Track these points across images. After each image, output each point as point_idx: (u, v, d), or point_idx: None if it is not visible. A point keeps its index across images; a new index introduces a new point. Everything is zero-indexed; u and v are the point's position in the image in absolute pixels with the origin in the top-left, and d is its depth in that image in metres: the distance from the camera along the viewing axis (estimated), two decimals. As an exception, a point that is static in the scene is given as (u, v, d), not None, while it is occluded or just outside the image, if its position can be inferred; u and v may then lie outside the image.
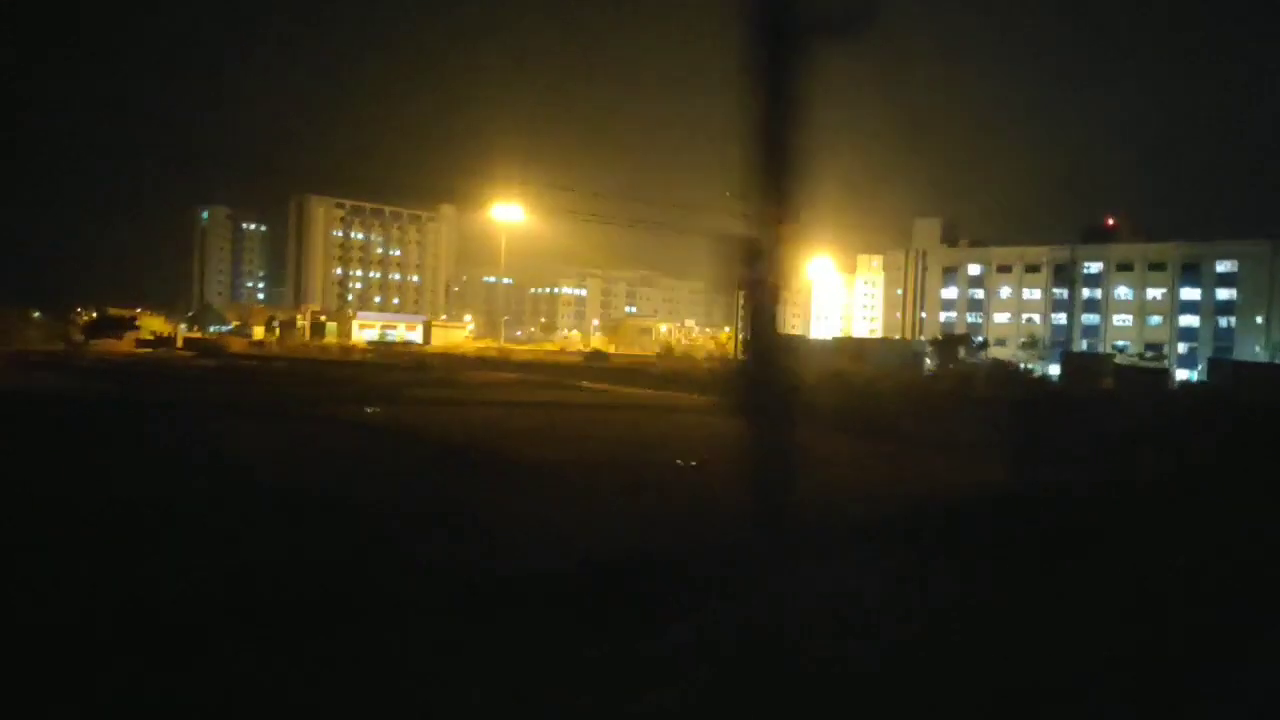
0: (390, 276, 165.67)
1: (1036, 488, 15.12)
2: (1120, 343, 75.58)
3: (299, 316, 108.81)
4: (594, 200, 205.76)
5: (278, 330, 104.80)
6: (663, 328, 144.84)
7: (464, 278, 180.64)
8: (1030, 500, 13.68)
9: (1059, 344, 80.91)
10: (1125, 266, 74.95)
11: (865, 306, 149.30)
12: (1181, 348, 76.79)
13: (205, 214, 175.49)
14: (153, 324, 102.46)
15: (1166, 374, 63.24)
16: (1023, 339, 77.81)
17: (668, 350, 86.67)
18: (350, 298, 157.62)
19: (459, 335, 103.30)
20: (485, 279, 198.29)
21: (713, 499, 12.03)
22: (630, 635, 6.20)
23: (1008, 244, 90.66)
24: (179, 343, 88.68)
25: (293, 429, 19.95)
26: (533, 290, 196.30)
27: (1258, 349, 73.00)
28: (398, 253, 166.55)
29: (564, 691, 5.33)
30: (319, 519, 10.34)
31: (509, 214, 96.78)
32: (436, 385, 37.14)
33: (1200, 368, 76.70)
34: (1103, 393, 54.34)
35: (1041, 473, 16.71)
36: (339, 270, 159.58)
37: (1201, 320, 77.75)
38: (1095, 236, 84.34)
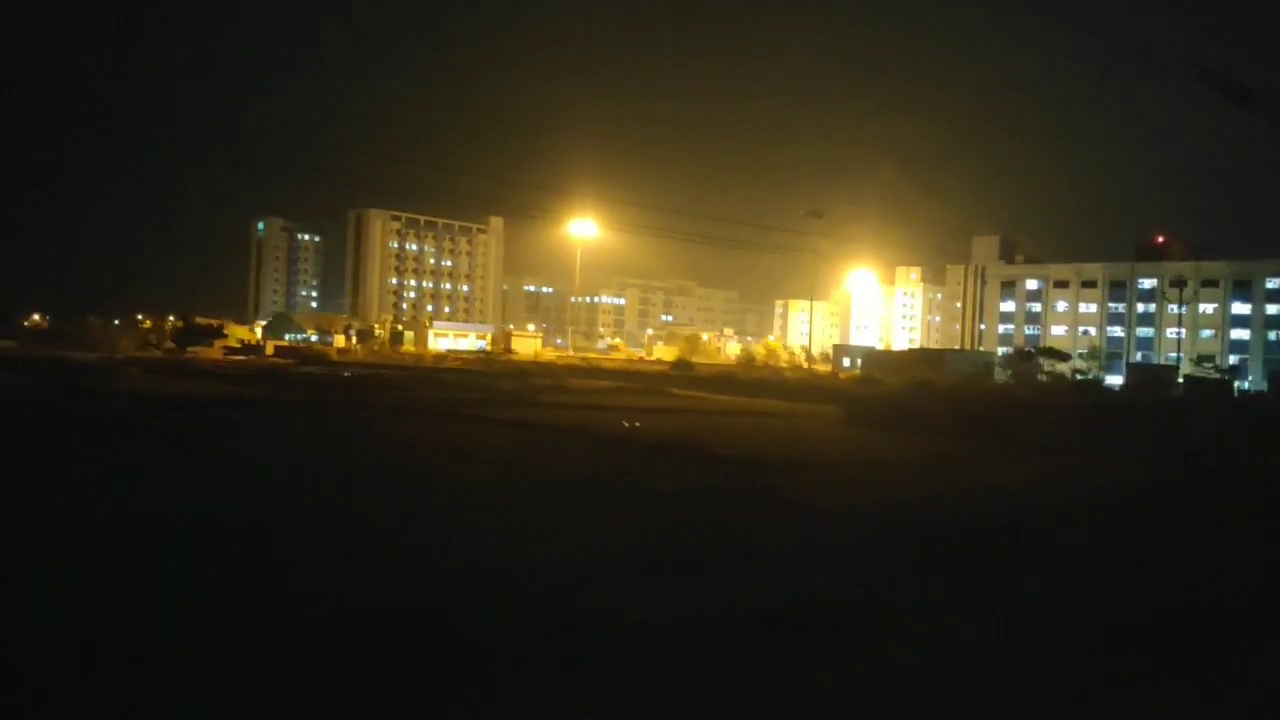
0: (441, 286, 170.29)
1: (1214, 476, 18.56)
2: (1173, 354, 79.78)
3: (376, 325, 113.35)
4: (655, 214, 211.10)
5: (355, 339, 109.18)
6: (704, 336, 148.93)
7: (504, 287, 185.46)
8: (1218, 485, 16.99)
9: (1113, 356, 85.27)
10: (1178, 282, 79.18)
11: (905, 317, 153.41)
12: (1232, 359, 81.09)
13: (261, 225, 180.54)
14: (239, 333, 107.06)
15: (1231, 384, 67.50)
16: (1080, 351, 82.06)
17: (749, 359, 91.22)
18: (404, 306, 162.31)
19: (534, 344, 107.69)
20: (526, 288, 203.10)
21: (970, 490, 15.51)
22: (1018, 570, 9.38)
23: (1057, 260, 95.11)
24: (269, 350, 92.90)
25: (484, 430, 21.71)
26: (573, 299, 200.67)
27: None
28: (449, 263, 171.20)
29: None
30: (666, 502, 12.19)
31: (582, 228, 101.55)
32: (556, 392, 40.26)
33: (1250, 379, 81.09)
34: (1177, 401, 58.48)
35: (1196, 465, 20.19)
36: (394, 280, 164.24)
37: (1252, 333, 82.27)
38: (1146, 254, 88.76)
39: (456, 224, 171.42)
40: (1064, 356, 69.20)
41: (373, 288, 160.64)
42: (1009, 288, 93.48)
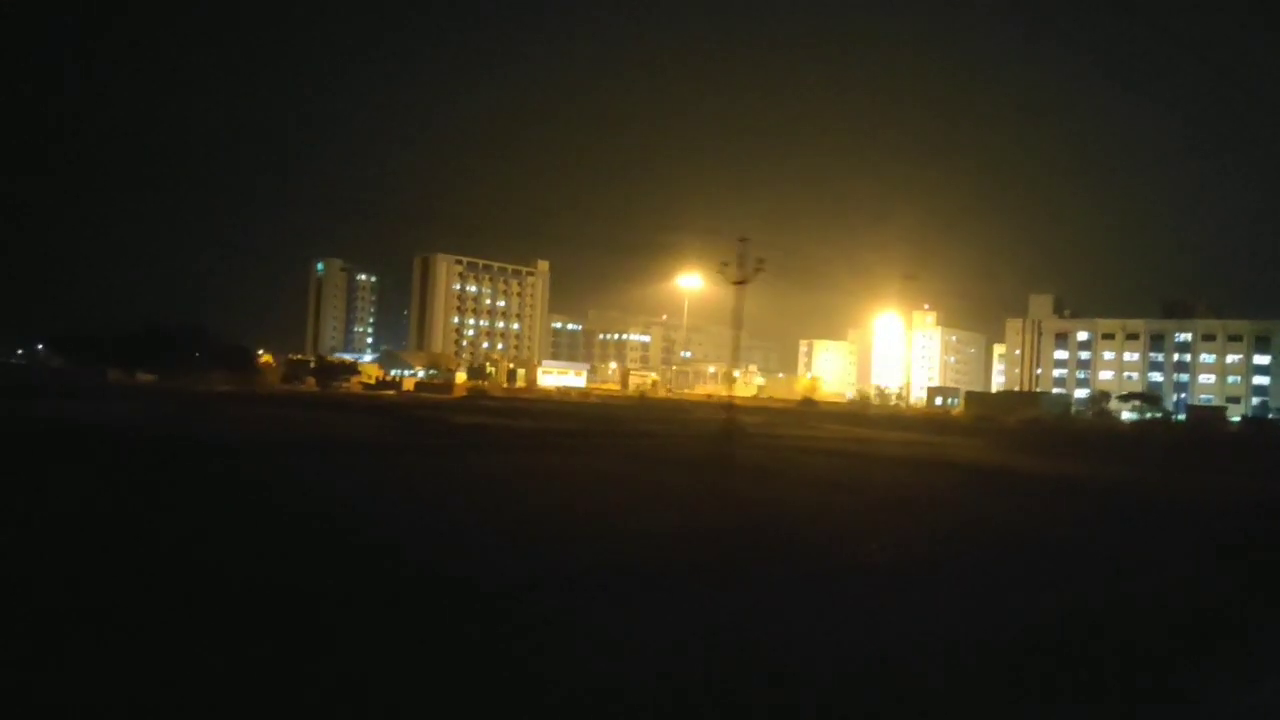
0: (496, 325, 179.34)
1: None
2: (1205, 397, 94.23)
3: (487, 364, 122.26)
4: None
5: (463, 375, 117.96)
6: (736, 373, 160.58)
7: (555, 325, 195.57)
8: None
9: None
10: (1209, 337, 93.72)
11: (922, 357, 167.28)
12: (1254, 401, 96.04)
13: (321, 266, 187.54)
14: (370, 370, 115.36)
15: (1276, 423, 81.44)
16: (1100, 393, 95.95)
17: (865, 398, 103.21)
18: (464, 344, 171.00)
19: (647, 380, 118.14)
20: (554, 324, 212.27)
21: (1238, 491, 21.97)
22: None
23: (1098, 314, 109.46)
24: (408, 386, 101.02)
25: (889, 468, 23.59)
26: (601, 336, 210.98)
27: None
28: (502, 303, 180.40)
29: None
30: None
31: (690, 282, 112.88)
32: (790, 428, 43.85)
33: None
34: (1240, 435, 71.35)
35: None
36: (456, 319, 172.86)
37: (1272, 380, 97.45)
38: (1176, 311, 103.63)
39: (509, 267, 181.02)
40: (1154, 399, 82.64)
41: (438, 327, 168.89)
42: (1061, 339, 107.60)
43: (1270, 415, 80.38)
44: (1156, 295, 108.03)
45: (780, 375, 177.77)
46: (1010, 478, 21.71)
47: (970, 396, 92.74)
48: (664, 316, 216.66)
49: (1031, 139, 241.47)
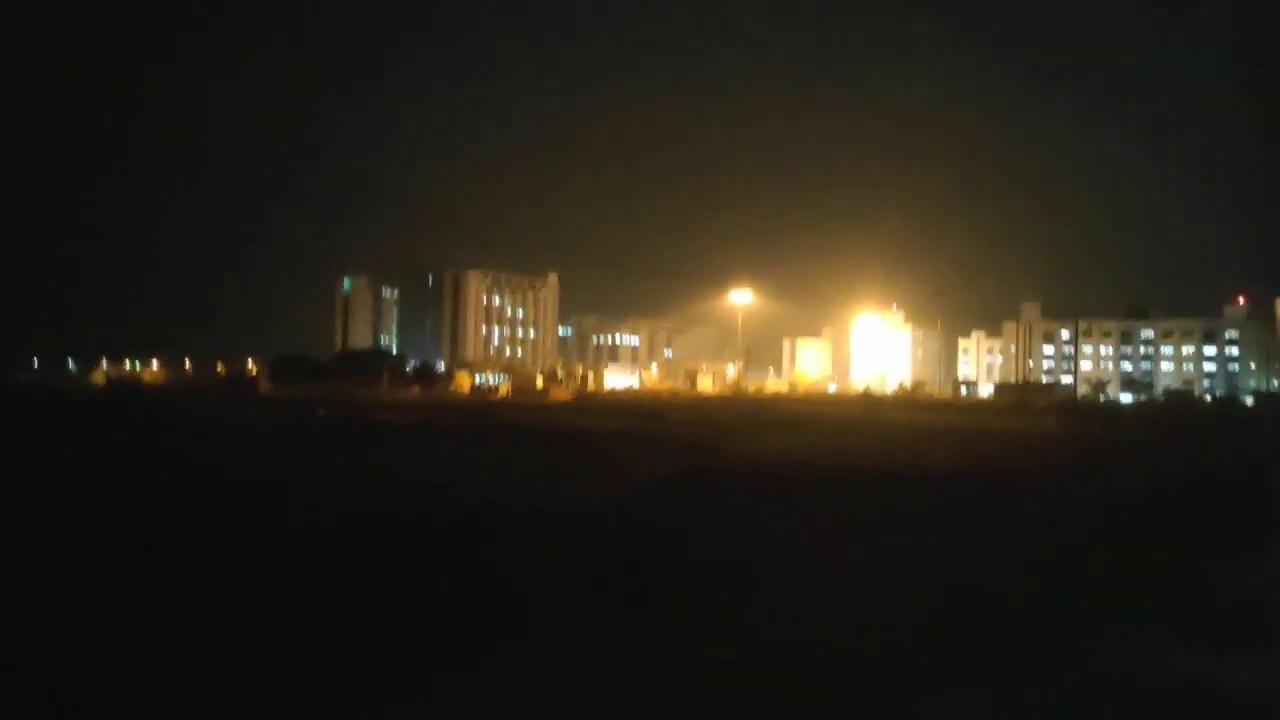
0: (515, 333, 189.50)
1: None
2: (1164, 382, 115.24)
3: (558, 369, 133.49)
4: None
5: (540, 380, 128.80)
6: (730, 369, 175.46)
7: (565, 331, 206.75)
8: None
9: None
10: (1168, 334, 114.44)
11: (896, 353, 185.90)
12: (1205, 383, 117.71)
13: (348, 281, 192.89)
14: (463, 378, 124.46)
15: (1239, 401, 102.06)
16: (1099, 380, 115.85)
17: (912, 389, 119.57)
18: (491, 352, 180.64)
19: (706, 380, 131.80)
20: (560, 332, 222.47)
21: None
22: None
23: (1068, 316, 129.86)
24: (504, 390, 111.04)
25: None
26: (595, 340, 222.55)
27: (1253, 384, 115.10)
28: (521, 312, 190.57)
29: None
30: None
31: (741, 297, 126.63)
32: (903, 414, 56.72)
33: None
34: (1213, 412, 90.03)
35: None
36: (484, 329, 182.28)
37: (1217, 368, 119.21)
38: (1135, 313, 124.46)
39: (527, 279, 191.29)
40: (1146, 385, 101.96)
41: (469, 336, 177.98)
42: (1048, 338, 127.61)
43: (1236, 396, 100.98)
44: (1119, 297, 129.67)
45: (772, 372, 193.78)
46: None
47: (1000, 388, 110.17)
48: (634, 320, 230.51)
49: (994, 148, 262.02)
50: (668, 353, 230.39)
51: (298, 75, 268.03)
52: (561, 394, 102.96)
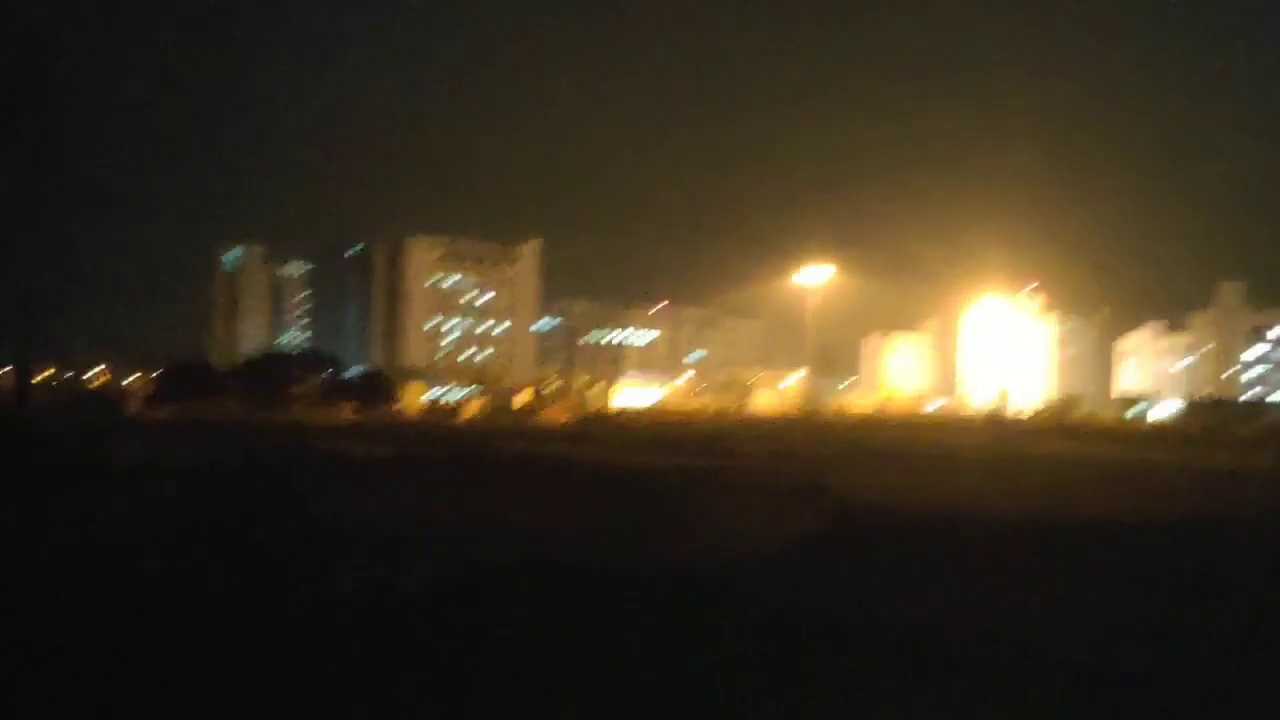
0: (479, 325, 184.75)
1: None
2: None
3: (548, 380, 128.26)
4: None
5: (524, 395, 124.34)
6: (795, 376, 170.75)
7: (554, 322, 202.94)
8: None
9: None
10: None
11: (1030, 353, 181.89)
12: None
13: (234, 255, 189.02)
14: (414, 392, 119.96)
15: None
16: None
17: (1055, 412, 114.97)
18: (439, 354, 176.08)
19: (771, 397, 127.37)
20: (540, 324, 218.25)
21: None
22: None
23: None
24: (470, 411, 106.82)
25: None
26: (583, 340, 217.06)
27: None
28: (491, 296, 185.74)
29: None
30: None
31: (818, 275, 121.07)
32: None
33: None
34: None
35: None
36: (435, 319, 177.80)
37: None
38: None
39: (499, 246, 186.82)
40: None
41: (413, 331, 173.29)
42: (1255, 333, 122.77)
43: None
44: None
45: (850, 381, 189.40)
46: None
47: (1193, 407, 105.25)
48: (664, 303, 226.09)
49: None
50: (695, 354, 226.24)
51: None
52: (556, 414, 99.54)
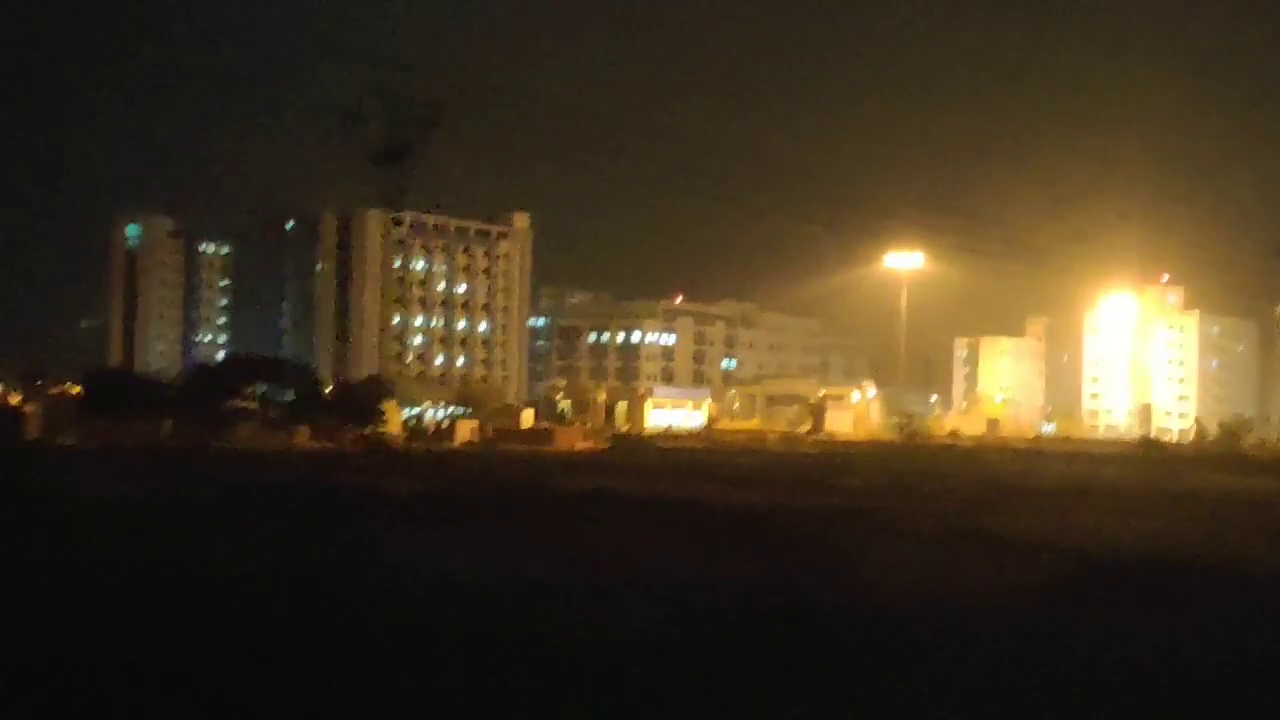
0: (455, 324, 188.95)
1: None
2: None
3: (559, 398, 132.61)
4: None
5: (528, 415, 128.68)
6: (870, 391, 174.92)
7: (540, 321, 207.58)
8: None
9: None
10: None
11: (1170, 362, 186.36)
12: None
13: (135, 229, 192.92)
14: (394, 412, 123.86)
15: None
16: None
17: (1227, 438, 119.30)
18: (408, 358, 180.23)
19: (845, 417, 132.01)
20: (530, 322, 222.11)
21: None
22: None
23: None
24: (462, 433, 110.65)
25: None
26: (592, 338, 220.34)
27: None
28: (464, 288, 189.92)
29: None
30: None
31: (909, 262, 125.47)
32: None
33: None
34: None
35: None
36: (397, 318, 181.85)
37: None
38: None
39: (472, 227, 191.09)
40: None
41: (368, 327, 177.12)
42: None
43: None
44: None
45: (936, 398, 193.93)
46: None
47: None
48: (678, 299, 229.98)
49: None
50: (728, 363, 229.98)
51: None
52: (573, 438, 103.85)
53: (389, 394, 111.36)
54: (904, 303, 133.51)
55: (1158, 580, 26.16)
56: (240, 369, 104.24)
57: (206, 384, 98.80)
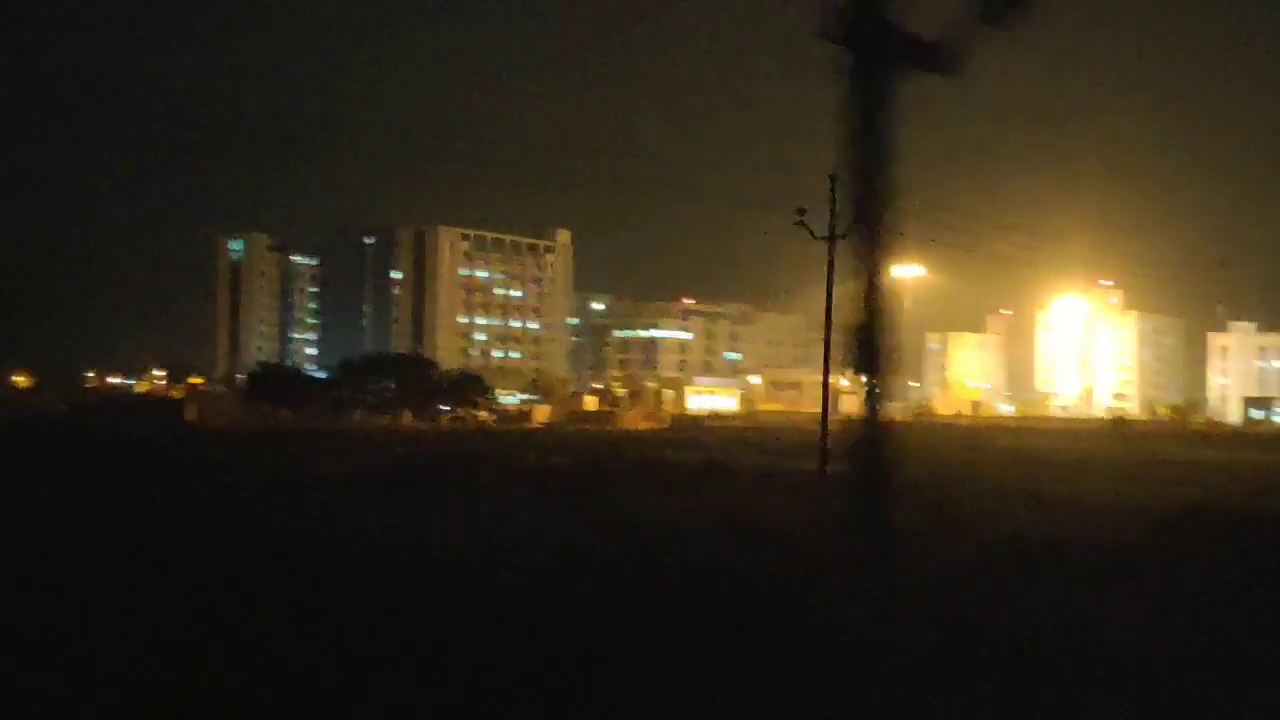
0: (510, 323, 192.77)
1: None
2: None
3: (615, 385, 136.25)
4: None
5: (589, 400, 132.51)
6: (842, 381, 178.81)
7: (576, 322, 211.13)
8: None
9: None
10: None
11: (1110, 353, 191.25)
12: None
13: (238, 245, 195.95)
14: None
15: None
16: None
17: (1178, 417, 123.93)
18: (474, 351, 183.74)
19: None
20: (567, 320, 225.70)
21: None
22: None
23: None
24: (539, 416, 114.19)
25: None
26: (618, 333, 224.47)
27: None
28: (518, 294, 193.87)
29: None
30: None
31: (910, 271, 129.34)
32: None
33: None
34: None
35: None
36: (464, 318, 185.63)
37: None
38: None
39: (523, 241, 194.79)
40: None
41: (442, 328, 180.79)
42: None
43: None
44: None
45: (915, 385, 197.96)
46: None
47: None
48: (686, 301, 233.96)
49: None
50: (733, 355, 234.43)
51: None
52: (635, 420, 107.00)
53: (485, 384, 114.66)
54: (902, 314, 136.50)
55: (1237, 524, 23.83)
56: (374, 364, 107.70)
57: (347, 377, 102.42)
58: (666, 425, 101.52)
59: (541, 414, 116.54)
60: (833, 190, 39.64)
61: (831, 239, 40.18)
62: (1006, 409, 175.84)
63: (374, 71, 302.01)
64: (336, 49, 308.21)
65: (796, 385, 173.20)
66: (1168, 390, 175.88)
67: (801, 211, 41.65)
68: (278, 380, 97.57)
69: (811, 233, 42.28)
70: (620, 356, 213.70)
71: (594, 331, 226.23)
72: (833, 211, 40.00)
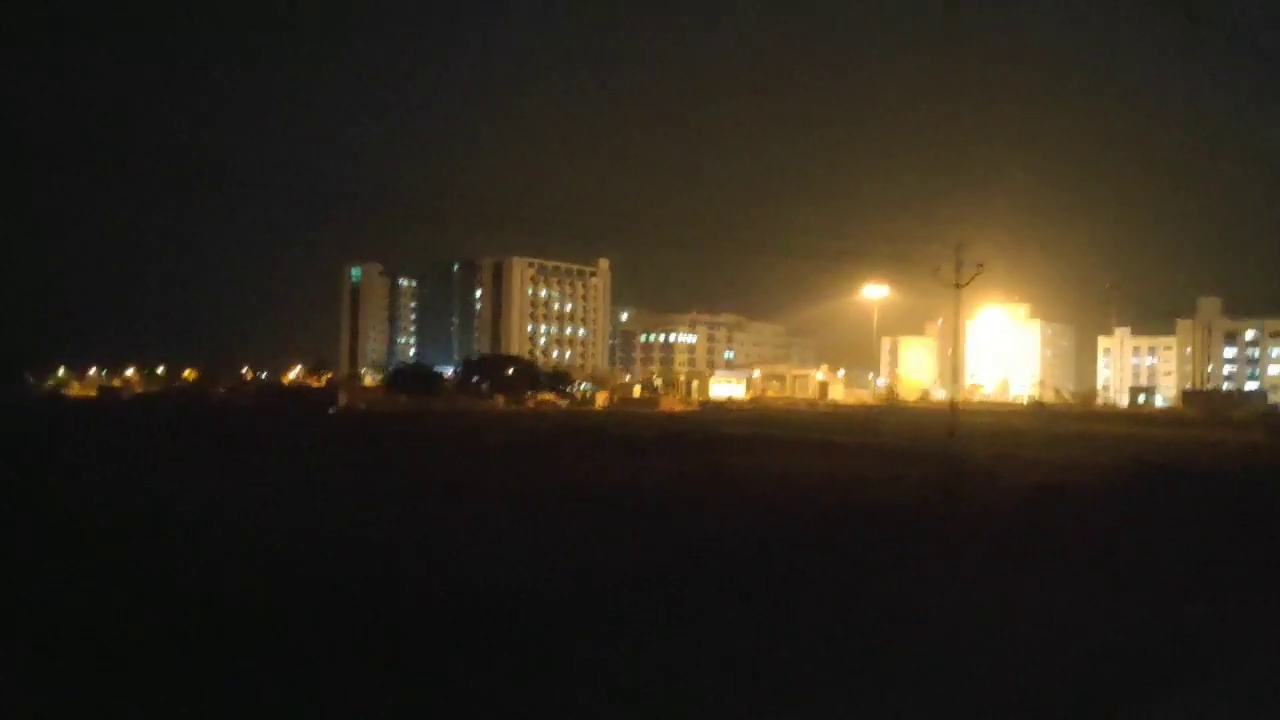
0: (564, 331, 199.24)
1: None
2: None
3: (655, 377, 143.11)
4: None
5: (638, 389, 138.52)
6: (840, 373, 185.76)
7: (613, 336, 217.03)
8: None
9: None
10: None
11: (1020, 353, 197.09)
12: None
13: (357, 271, 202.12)
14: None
15: None
16: None
17: (1079, 401, 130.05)
18: (538, 354, 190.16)
19: (839, 391, 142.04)
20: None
21: None
22: None
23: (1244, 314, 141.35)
24: (600, 402, 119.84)
25: None
26: (643, 337, 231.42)
27: None
28: (570, 307, 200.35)
29: None
30: None
31: (878, 293, 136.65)
32: None
33: None
34: None
35: None
36: (530, 327, 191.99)
37: None
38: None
39: (575, 268, 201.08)
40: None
41: (515, 335, 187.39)
42: (1230, 338, 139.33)
43: None
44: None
45: (872, 377, 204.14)
46: None
47: (1189, 396, 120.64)
48: (693, 313, 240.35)
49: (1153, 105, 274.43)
50: (727, 355, 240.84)
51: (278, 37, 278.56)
52: (672, 404, 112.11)
53: (570, 376, 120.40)
54: (876, 318, 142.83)
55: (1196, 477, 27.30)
56: (493, 361, 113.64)
57: (470, 372, 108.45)
58: (696, 408, 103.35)
59: (601, 399, 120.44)
60: (958, 252, 52.22)
61: (958, 286, 54.18)
62: (940, 395, 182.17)
63: (463, 135, 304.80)
64: (430, 129, 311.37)
65: (781, 377, 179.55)
66: (1064, 382, 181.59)
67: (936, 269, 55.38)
68: (412, 375, 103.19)
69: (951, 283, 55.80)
70: (643, 356, 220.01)
71: (623, 336, 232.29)
72: (957, 268, 52.38)
